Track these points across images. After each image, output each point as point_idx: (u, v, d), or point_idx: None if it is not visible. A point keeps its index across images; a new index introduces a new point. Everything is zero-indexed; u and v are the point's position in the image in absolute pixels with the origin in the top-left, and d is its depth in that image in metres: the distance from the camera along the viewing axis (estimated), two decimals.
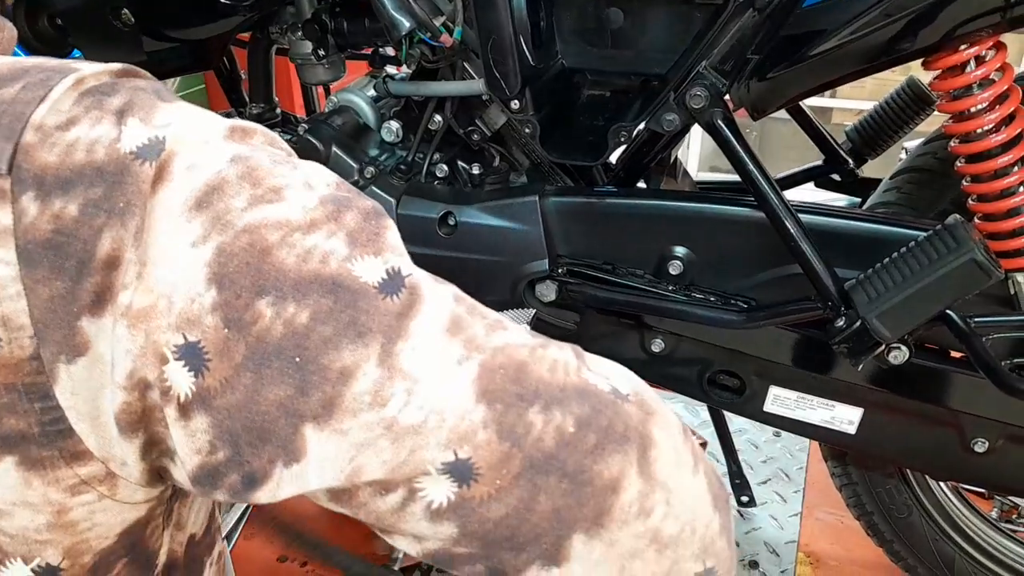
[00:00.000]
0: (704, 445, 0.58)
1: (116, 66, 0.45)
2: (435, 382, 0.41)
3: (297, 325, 0.40)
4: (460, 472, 0.41)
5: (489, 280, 1.06)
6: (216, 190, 0.40)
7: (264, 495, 0.42)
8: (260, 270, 0.40)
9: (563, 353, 0.46)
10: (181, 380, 0.39)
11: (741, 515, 1.47)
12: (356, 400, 0.40)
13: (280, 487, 0.41)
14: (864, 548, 1.27)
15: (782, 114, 1.22)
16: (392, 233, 0.44)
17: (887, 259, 0.86)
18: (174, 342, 0.39)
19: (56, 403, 0.40)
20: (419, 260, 1.13)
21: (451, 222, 1.04)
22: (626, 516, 0.43)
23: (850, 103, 3.69)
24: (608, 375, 0.46)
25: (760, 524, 1.45)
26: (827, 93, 3.73)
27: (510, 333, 0.45)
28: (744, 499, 1.47)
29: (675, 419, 0.48)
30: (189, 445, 0.41)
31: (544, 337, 0.47)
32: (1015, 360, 0.89)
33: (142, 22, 1.01)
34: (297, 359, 0.40)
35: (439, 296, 0.44)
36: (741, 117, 0.98)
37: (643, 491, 0.43)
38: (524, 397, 0.42)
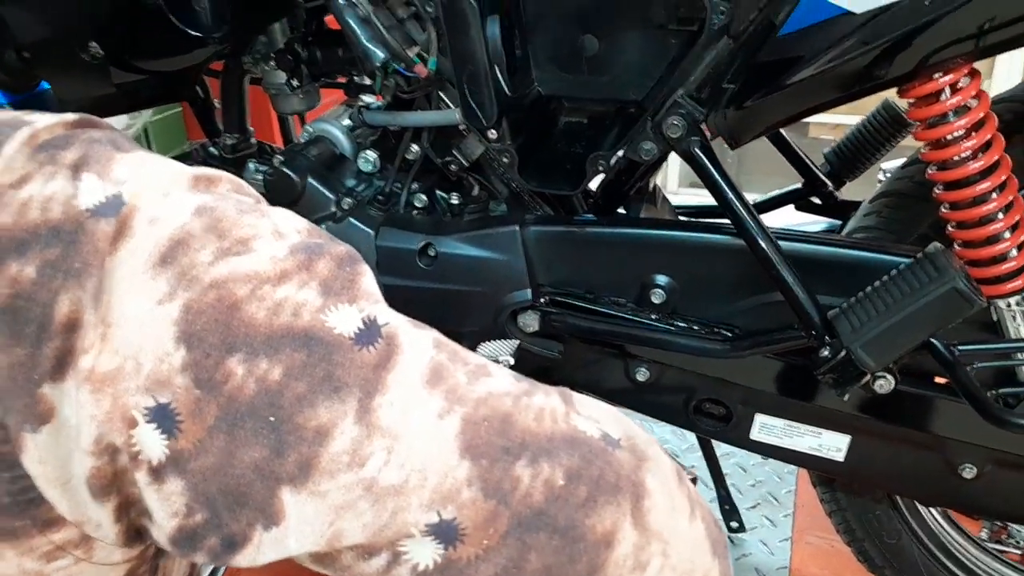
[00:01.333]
0: (694, 480, 0.57)
1: (70, 117, 0.43)
2: (416, 439, 0.39)
3: (270, 382, 0.38)
4: (445, 533, 0.39)
5: (471, 311, 1.04)
6: (181, 244, 0.39)
7: (244, 559, 0.40)
8: (229, 326, 0.38)
9: (550, 400, 0.44)
10: (153, 443, 0.38)
11: (731, 541, 1.45)
12: (334, 461, 0.38)
13: (260, 551, 0.40)
14: (855, 572, 1.26)
15: None
16: (367, 279, 0.43)
17: (870, 288, 0.85)
18: (144, 404, 0.38)
19: (24, 472, 0.38)
20: (400, 292, 1.11)
21: (431, 253, 1.03)
22: (621, 571, 0.41)
23: (827, 117, 3.72)
24: (598, 419, 0.45)
25: (750, 550, 1.44)
26: None
27: (494, 380, 0.43)
28: (734, 525, 1.45)
29: (668, 463, 0.46)
30: (165, 509, 0.39)
31: (529, 381, 0.46)
32: (1001, 389, 0.88)
33: (111, 54, 0.99)
34: (271, 418, 0.38)
35: (418, 344, 0.42)
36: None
37: (638, 544, 0.42)
38: (510, 451, 0.40)
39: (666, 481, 0.44)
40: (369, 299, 0.42)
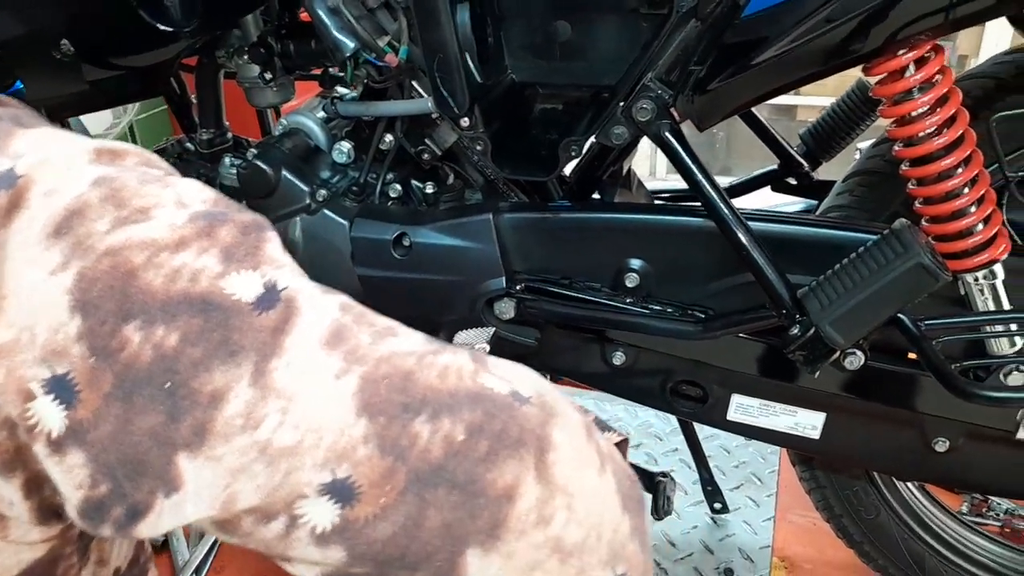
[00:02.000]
0: (623, 443, 0.57)
1: None
2: (311, 399, 0.39)
3: (166, 349, 0.38)
4: (341, 492, 0.39)
5: (447, 299, 1.05)
6: (76, 214, 0.39)
7: (146, 528, 0.40)
8: (125, 293, 0.38)
9: (457, 358, 0.44)
10: (51, 415, 0.38)
11: (715, 522, 1.47)
12: (228, 424, 0.38)
13: (161, 519, 0.40)
14: (838, 549, 1.27)
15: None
16: (272, 245, 0.43)
17: (838, 266, 0.86)
18: (40, 376, 0.38)
19: None
20: (376, 283, 1.11)
21: (406, 243, 1.03)
22: (523, 525, 0.41)
23: (814, 100, 3.73)
24: (510, 378, 0.45)
25: (734, 530, 1.45)
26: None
27: (399, 340, 0.44)
28: (717, 506, 1.47)
29: (577, 418, 0.46)
30: (69, 481, 0.39)
31: (441, 342, 0.46)
32: (971, 362, 0.89)
33: (82, 52, 0.99)
34: (167, 384, 0.38)
35: (320, 307, 0.42)
36: None
37: (542, 497, 0.42)
38: (409, 407, 0.40)
39: (574, 435, 0.44)
40: (272, 264, 0.42)
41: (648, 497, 1.04)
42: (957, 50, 3.26)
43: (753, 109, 1.20)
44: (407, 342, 0.44)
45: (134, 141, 2.86)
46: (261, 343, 0.39)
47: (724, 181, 1.28)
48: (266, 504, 0.40)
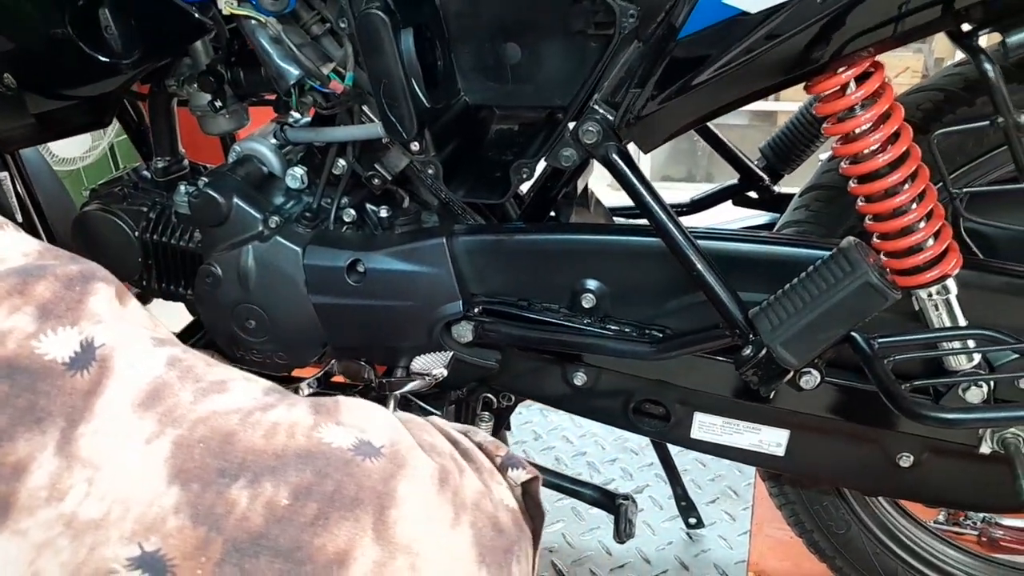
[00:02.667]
0: (533, 480, 0.54)
1: None
2: (119, 467, 0.38)
3: None
4: (152, 566, 0.38)
5: (403, 326, 1.04)
6: None
7: None
8: None
9: (292, 413, 0.42)
10: None
11: (690, 537, 1.46)
12: (32, 496, 0.37)
13: None
14: (814, 563, 1.26)
15: (728, 120, 1.22)
16: (98, 299, 0.41)
17: (788, 285, 0.85)
18: None
19: None
20: (331, 310, 1.11)
21: (360, 269, 1.02)
22: None
23: (795, 106, 3.74)
24: (363, 427, 0.43)
25: (709, 545, 1.44)
26: (771, 96, 3.78)
27: (227, 397, 0.41)
28: (692, 521, 1.45)
29: (429, 469, 0.44)
30: None
31: (280, 394, 0.44)
32: (925, 381, 0.88)
33: (25, 84, 0.98)
34: None
35: (139, 365, 0.40)
36: None
37: (379, 560, 0.40)
38: (227, 472, 0.39)
39: (423, 488, 0.42)
40: (92, 319, 0.40)
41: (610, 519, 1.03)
42: (933, 53, 3.27)
43: (710, 124, 1.20)
44: (235, 398, 0.42)
45: (114, 163, 2.85)
46: (70, 408, 0.38)
47: (685, 196, 1.27)
48: None
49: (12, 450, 0.37)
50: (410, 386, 1.03)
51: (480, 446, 0.55)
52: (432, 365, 1.01)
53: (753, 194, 1.23)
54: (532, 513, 0.53)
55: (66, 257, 0.42)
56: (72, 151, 2.66)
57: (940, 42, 3.17)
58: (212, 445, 0.39)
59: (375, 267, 1.01)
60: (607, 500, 1.04)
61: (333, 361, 1.15)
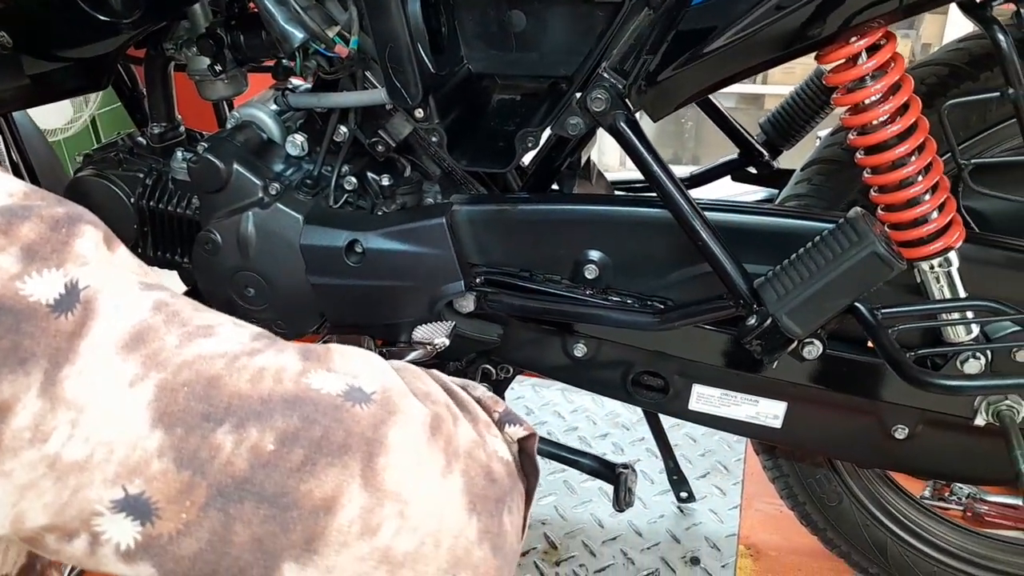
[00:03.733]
0: (530, 438, 0.54)
1: None
2: (103, 410, 0.37)
3: None
4: (136, 509, 0.38)
5: (405, 303, 1.04)
6: None
7: None
8: None
9: (280, 358, 0.42)
10: None
11: (681, 511, 1.47)
12: (16, 437, 0.36)
13: None
14: (804, 537, 1.28)
15: (715, 101, 1.22)
16: (84, 241, 0.40)
17: (794, 255, 0.86)
18: None
19: None
20: (330, 291, 1.10)
21: (358, 250, 1.01)
22: (345, 537, 0.39)
23: (782, 88, 3.74)
24: (355, 373, 0.43)
25: (700, 519, 1.45)
26: (758, 79, 3.78)
27: (213, 341, 0.41)
28: (683, 495, 1.47)
29: (422, 415, 0.44)
30: None
31: (269, 339, 0.43)
32: (924, 350, 0.89)
33: (21, 44, 0.96)
34: None
35: (124, 307, 0.40)
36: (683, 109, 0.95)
37: (367, 506, 0.40)
38: (211, 416, 0.39)
39: (414, 435, 0.42)
40: (77, 261, 0.39)
41: (609, 488, 1.04)
42: (921, 38, 3.29)
43: (712, 98, 1.20)
44: (222, 343, 0.41)
45: (96, 134, 2.80)
46: (54, 349, 0.37)
47: (685, 171, 1.27)
48: (60, 522, 0.38)
49: None
50: (411, 356, 1.03)
51: (479, 400, 0.55)
52: (434, 334, 1.00)
53: (752, 169, 1.24)
54: (527, 471, 0.53)
55: (52, 199, 0.41)
56: (54, 122, 2.61)
57: (927, 27, 3.19)
58: (197, 389, 0.39)
59: (374, 247, 1.00)
60: (606, 469, 1.04)
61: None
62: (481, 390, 0.57)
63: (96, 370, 0.38)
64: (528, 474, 0.53)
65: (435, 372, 0.55)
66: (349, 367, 0.43)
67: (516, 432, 0.53)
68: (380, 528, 0.40)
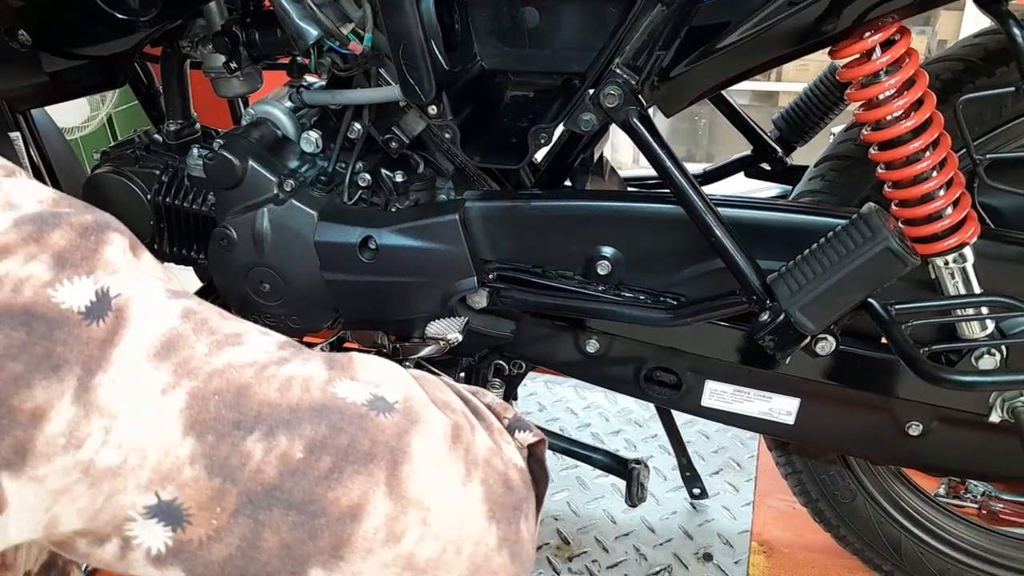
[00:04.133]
0: (539, 443, 0.54)
1: None
2: (136, 417, 0.38)
3: None
4: (168, 514, 0.38)
5: (418, 299, 1.04)
6: None
7: None
8: None
9: (307, 367, 0.42)
10: None
11: (694, 507, 1.47)
12: (50, 443, 0.37)
13: None
14: (816, 533, 1.28)
15: (728, 98, 1.22)
16: (113, 248, 0.40)
17: (807, 251, 0.85)
18: None
19: None
20: (344, 287, 1.10)
21: (372, 246, 1.02)
22: (371, 544, 0.40)
23: (796, 86, 3.73)
24: (378, 383, 0.44)
25: (713, 516, 1.45)
26: (772, 76, 3.77)
27: (242, 349, 0.42)
28: (696, 491, 1.47)
29: (444, 425, 0.44)
30: None
31: (296, 348, 0.44)
32: (936, 346, 0.88)
33: (40, 42, 0.97)
34: None
35: (155, 315, 0.40)
36: (696, 106, 0.95)
37: (392, 513, 0.41)
38: (242, 424, 0.39)
39: (435, 444, 0.43)
40: (108, 269, 0.40)
41: (622, 484, 1.04)
42: (937, 35, 3.27)
43: (725, 94, 1.19)
44: (250, 352, 0.42)
45: (113, 133, 2.83)
46: (87, 356, 0.38)
47: (698, 168, 1.27)
48: (93, 527, 0.38)
49: (30, 397, 0.36)
50: (424, 351, 1.04)
51: (489, 407, 0.56)
52: (447, 330, 1.01)
53: (765, 166, 1.23)
54: (537, 476, 0.54)
55: (80, 206, 0.42)
56: (72, 120, 2.64)
57: (943, 23, 3.16)
58: (227, 397, 0.39)
59: (388, 244, 1.01)
60: (619, 465, 1.04)
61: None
62: (491, 397, 0.58)
63: (129, 378, 0.38)
64: (538, 479, 0.54)
65: (449, 380, 0.56)
66: (371, 376, 0.44)
67: (526, 438, 0.54)
68: (404, 535, 0.41)
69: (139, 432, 0.38)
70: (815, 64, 3.17)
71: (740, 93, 3.65)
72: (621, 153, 3.32)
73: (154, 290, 0.41)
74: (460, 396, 0.53)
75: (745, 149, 1.25)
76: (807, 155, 1.22)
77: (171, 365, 0.39)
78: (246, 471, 0.39)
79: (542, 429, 1.02)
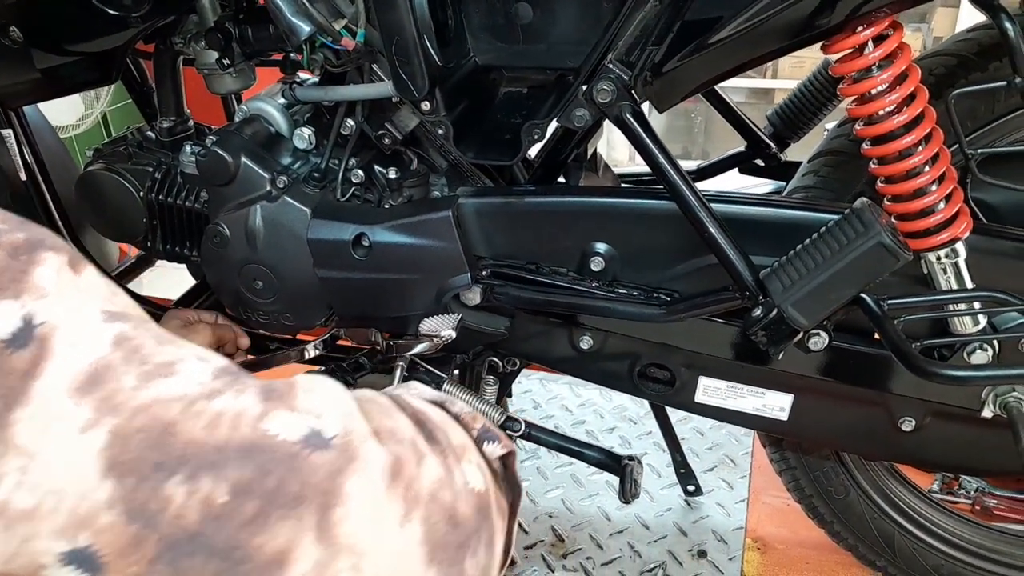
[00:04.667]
0: (509, 455, 0.53)
1: None
2: (53, 457, 0.36)
3: None
4: (84, 562, 0.37)
5: (412, 296, 1.04)
6: None
7: None
8: None
9: (239, 401, 0.40)
10: None
11: (688, 504, 1.47)
12: None
13: None
14: (810, 530, 1.28)
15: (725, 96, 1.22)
16: (44, 269, 0.38)
17: (800, 246, 0.85)
18: None
19: None
20: (337, 284, 1.10)
21: (365, 243, 1.01)
22: None
23: (792, 83, 3.72)
24: (319, 413, 0.41)
25: (707, 512, 1.45)
26: (768, 74, 3.77)
27: (172, 381, 0.39)
28: (690, 488, 1.47)
29: (382, 461, 0.42)
30: None
31: (232, 377, 0.41)
32: (928, 341, 0.89)
33: (32, 38, 0.97)
34: None
35: (80, 344, 0.38)
36: (690, 103, 0.95)
37: (322, 560, 0.39)
38: (164, 466, 0.37)
39: (373, 483, 0.41)
40: (35, 293, 0.37)
41: (615, 480, 1.04)
42: (932, 31, 3.27)
43: (720, 91, 1.19)
44: (181, 383, 0.39)
45: (107, 131, 2.82)
46: (7, 389, 0.35)
47: (692, 164, 1.27)
48: (9, 571, 0.37)
49: None
50: (418, 348, 1.03)
51: (458, 417, 0.54)
52: (440, 327, 1.01)
53: (760, 162, 1.23)
54: (510, 484, 0.52)
55: (15, 222, 0.39)
56: (65, 119, 2.63)
57: (939, 20, 3.17)
58: (152, 436, 0.37)
59: (381, 240, 1.01)
60: (612, 461, 1.04)
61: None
62: (460, 406, 0.55)
63: (48, 414, 0.36)
64: (511, 488, 0.52)
65: (405, 397, 0.53)
66: (312, 406, 0.42)
67: (495, 451, 0.52)
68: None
69: (56, 473, 0.36)
70: (811, 61, 3.18)
71: (736, 91, 3.65)
72: (617, 151, 3.32)
73: (87, 314, 0.39)
74: (414, 416, 0.50)
75: (740, 146, 1.25)
76: (802, 151, 1.23)
77: (94, 401, 0.37)
78: (167, 516, 0.37)
79: (536, 425, 1.03)
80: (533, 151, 1.06)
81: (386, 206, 1.05)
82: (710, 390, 1.04)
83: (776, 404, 1.03)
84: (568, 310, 1.02)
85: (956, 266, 0.86)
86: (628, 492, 1.01)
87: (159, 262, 1.30)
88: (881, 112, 0.81)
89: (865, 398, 0.99)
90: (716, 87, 1.14)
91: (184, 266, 1.22)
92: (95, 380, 0.37)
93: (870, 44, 0.80)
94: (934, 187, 0.83)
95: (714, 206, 0.89)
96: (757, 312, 0.87)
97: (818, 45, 0.83)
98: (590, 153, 1.11)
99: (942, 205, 0.84)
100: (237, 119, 1.11)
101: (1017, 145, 0.90)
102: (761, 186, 1.24)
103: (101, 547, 0.37)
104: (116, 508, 0.37)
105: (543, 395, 1.79)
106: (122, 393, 0.38)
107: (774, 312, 0.85)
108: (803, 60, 3.36)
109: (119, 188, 1.14)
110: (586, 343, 1.05)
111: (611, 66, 0.88)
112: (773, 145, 1.23)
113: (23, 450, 0.36)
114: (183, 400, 0.39)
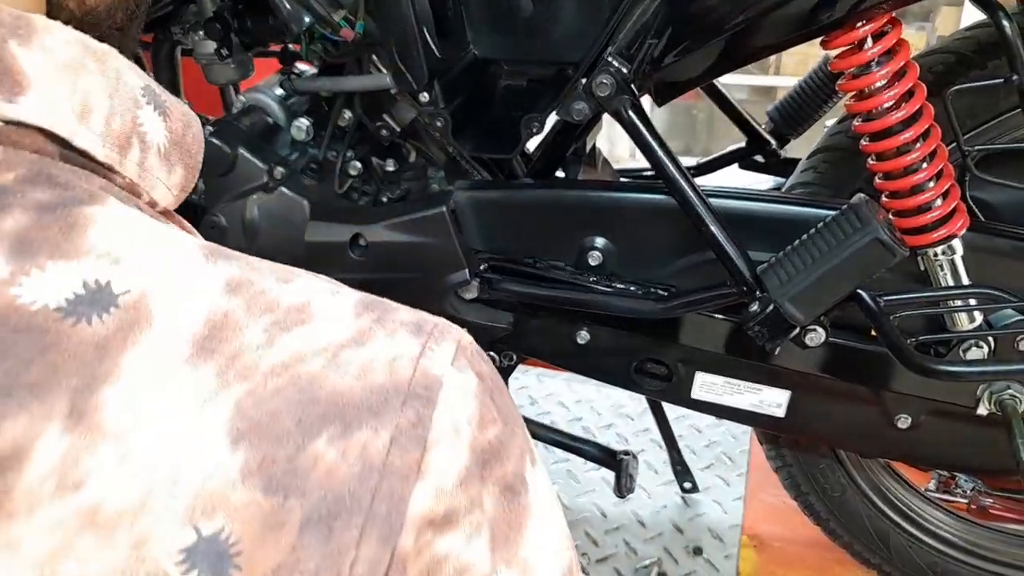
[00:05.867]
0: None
1: None
2: (164, 437, 0.28)
3: None
4: (210, 558, 0.28)
5: (411, 294, 1.03)
6: None
7: None
8: None
9: (394, 344, 0.33)
10: None
11: (685, 502, 1.47)
12: (32, 492, 0.27)
13: None
14: (807, 528, 1.27)
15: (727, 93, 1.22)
16: (96, 230, 0.30)
17: (797, 241, 0.85)
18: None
19: None
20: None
21: (362, 243, 1.01)
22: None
23: (794, 80, 3.71)
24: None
25: (704, 510, 1.45)
26: (770, 71, 3.76)
27: (309, 329, 0.32)
28: (687, 486, 1.47)
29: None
30: None
31: (381, 310, 0.35)
32: (924, 337, 0.88)
33: None
34: None
35: (188, 301, 0.30)
36: (692, 99, 0.95)
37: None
38: (304, 425, 0.30)
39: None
40: (101, 256, 0.30)
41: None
42: (936, 30, 3.27)
43: (720, 86, 1.19)
44: (320, 332, 0.32)
45: None
46: (82, 365, 0.28)
47: (692, 160, 1.27)
48: None
49: (7, 430, 0.27)
50: None
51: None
52: None
53: (759, 158, 1.23)
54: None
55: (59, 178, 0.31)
56: None
57: (943, 19, 3.16)
58: (291, 395, 0.31)
59: (378, 240, 1.01)
60: (607, 456, 1.04)
61: None
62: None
63: (152, 386, 0.29)
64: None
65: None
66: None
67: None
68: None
69: (169, 455, 0.29)
70: (813, 59, 3.18)
71: (738, 88, 3.64)
72: (618, 147, 3.32)
73: (181, 259, 0.31)
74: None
75: (741, 143, 1.25)
76: (802, 148, 1.22)
77: (215, 366, 0.30)
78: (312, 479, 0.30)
79: (532, 421, 1.03)
80: (532, 145, 1.06)
81: (383, 198, 1.05)
82: (707, 386, 1.04)
83: (773, 400, 1.03)
84: (566, 304, 1.02)
85: (953, 263, 0.86)
86: (623, 487, 1.01)
87: None
88: (879, 108, 0.81)
89: (862, 395, 0.99)
90: (716, 82, 1.14)
91: None
92: (213, 339, 0.30)
93: (869, 40, 0.80)
94: (931, 183, 0.83)
95: (712, 201, 0.89)
96: (754, 307, 0.87)
97: (817, 40, 0.83)
98: (589, 147, 1.11)
99: (939, 202, 0.84)
100: (235, 110, 1.11)
101: (1015, 143, 0.90)
102: (761, 182, 1.24)
103: (234, 531, 0.28)
104: (250, 481, 0.29)
105: (540, 391, 1.79)
106: (249, 353, 0.30)
107: (771, 307, 0.85)
108: (806, 59, 3.35)
109: None
110: (583, 338, 1.05)
111: (610, 60, 0.88)
112: (773, 141, 1.22)
113: (118, 437, 0.28)
114: (329, 349, 0.32)
